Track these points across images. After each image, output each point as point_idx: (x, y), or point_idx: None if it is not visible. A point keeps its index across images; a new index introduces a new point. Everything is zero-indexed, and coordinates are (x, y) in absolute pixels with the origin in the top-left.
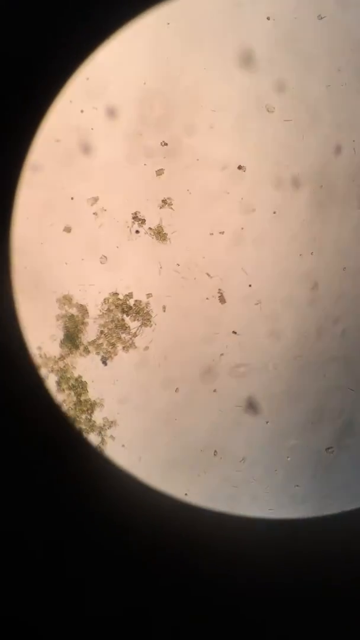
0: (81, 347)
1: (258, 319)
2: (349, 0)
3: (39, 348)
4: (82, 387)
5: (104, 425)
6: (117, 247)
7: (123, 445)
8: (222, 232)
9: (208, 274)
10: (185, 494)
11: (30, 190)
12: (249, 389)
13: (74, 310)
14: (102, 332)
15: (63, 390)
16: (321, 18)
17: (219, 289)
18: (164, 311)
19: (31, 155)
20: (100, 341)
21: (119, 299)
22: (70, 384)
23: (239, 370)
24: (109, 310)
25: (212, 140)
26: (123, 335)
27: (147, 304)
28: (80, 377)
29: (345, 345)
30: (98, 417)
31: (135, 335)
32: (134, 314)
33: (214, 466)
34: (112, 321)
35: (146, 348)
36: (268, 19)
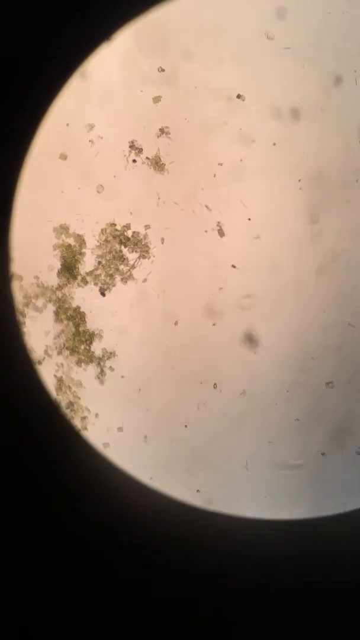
0: (79, 278)
1: (257, 253)
2: None
3: (36, 277)
4: (80, 318)
5: (103, 356)
6: (114, 176)
7: (122, 377)
8: (221, 164)
9: (207, 207)
10: (186, 425)
11: None
12: (248, 323)
13: (71, 240)
14: (100, 263)
15: (61, 320)
16: None
17: (218, 222)
18: (162, 243)
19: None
20: (98, 272)
21: (116, 230)
22: (68, 314)
23: (239, 304)
24: (106, 241)
25: (210, 67)
26: (121, 267)
27: (145, 235)
28: (78, 307)
29: (347, 280)
30: (97, 347)
31: (133, 267)
32: (132, 246)
33: (214, 399)
34: (109, 252)
35: (144, 280)
36: None
